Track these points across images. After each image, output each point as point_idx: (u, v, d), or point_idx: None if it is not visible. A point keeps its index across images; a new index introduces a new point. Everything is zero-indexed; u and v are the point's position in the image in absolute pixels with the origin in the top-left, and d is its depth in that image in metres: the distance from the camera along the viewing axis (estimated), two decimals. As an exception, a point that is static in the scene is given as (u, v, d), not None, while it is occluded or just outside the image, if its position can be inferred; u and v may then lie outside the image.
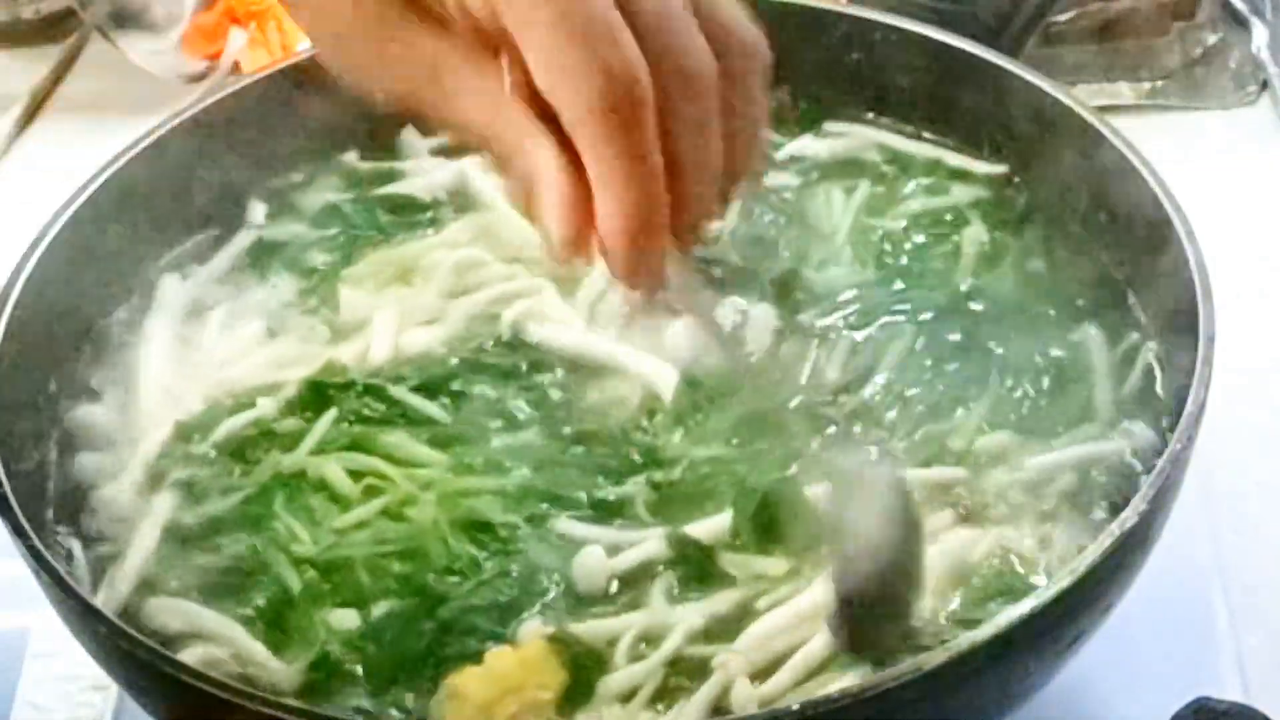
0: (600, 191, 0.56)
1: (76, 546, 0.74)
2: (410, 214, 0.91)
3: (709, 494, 0.74)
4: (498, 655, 0.67)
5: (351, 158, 0.94)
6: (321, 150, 0.94)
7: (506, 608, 0.70)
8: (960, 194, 0.91)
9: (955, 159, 0.92)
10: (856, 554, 0.65)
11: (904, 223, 0.89)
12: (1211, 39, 1.24)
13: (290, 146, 0.93)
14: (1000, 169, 0.91)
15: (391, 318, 0.83)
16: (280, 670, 0.68)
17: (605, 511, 0.74)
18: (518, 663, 0.67)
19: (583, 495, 0.74)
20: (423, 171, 0.93)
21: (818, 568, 0.70)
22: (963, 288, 0.85)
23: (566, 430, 0.77)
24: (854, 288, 0.85)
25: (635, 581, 0.71)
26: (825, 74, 0.96)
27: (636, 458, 0.76)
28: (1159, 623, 0.81)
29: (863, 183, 0.92)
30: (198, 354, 0.84)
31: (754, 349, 0.80)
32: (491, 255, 0.87)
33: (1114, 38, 1.21)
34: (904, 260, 0.88)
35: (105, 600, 0.72)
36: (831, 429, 0.74)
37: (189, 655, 0.68)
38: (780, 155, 0.94)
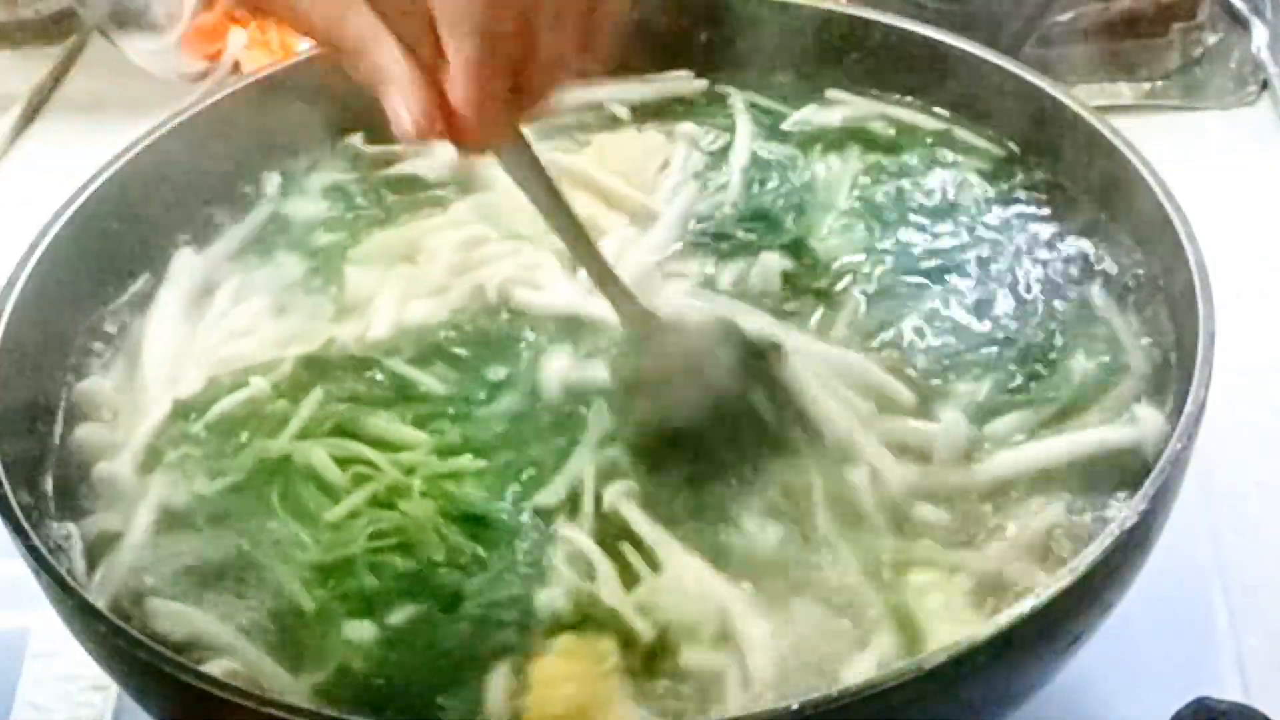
0: (458, 60, 0.62)
1: (74, 530, 0.74)
2: (414, 193, 0.92)
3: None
4: (545, 663, 0.68)
5: (356, 141, 0.94)
6: (326, 136, 0.94)
7: (523, 598, 0.70)
8: (967, 164, 0.92)
9: (963, 133, 0.93)
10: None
11: (910, 188, 0.90)
12: (1211, 39, 1.24)
13: (294, 135, 0.93)
14: (1003, 150, 0.92)
15: (395, 295, 0.84)
16: (294, 686, 0.68)
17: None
18: (568, 655, 0.67)
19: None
20: (426, 153, 0.93)
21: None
22: (967, 260, 0.86)
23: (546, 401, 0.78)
24: (860, 252, 0.86)
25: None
26: (825, 74, 0.96)
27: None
28: (1159, 623, 0.81)
29: (867, 152, 0.93)
30: (203, 329, 0.84)
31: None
32: (495, 233, 0.87)
33: (1114, 38, 1.21)
34: (909, 227, 0.88)
35: (101, 583, 0.71)
36: None
37: (213, 667, 0.67)
38: (785, 125, 0.95)
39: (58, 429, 0.79)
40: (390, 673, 0.68)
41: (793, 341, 0.79)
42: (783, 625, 0.68)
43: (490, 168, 0.88)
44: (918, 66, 0.94)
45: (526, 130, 0.70)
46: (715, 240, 0.88)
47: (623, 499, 0.73)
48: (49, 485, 0.76)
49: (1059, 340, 0.81)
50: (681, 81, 0.99)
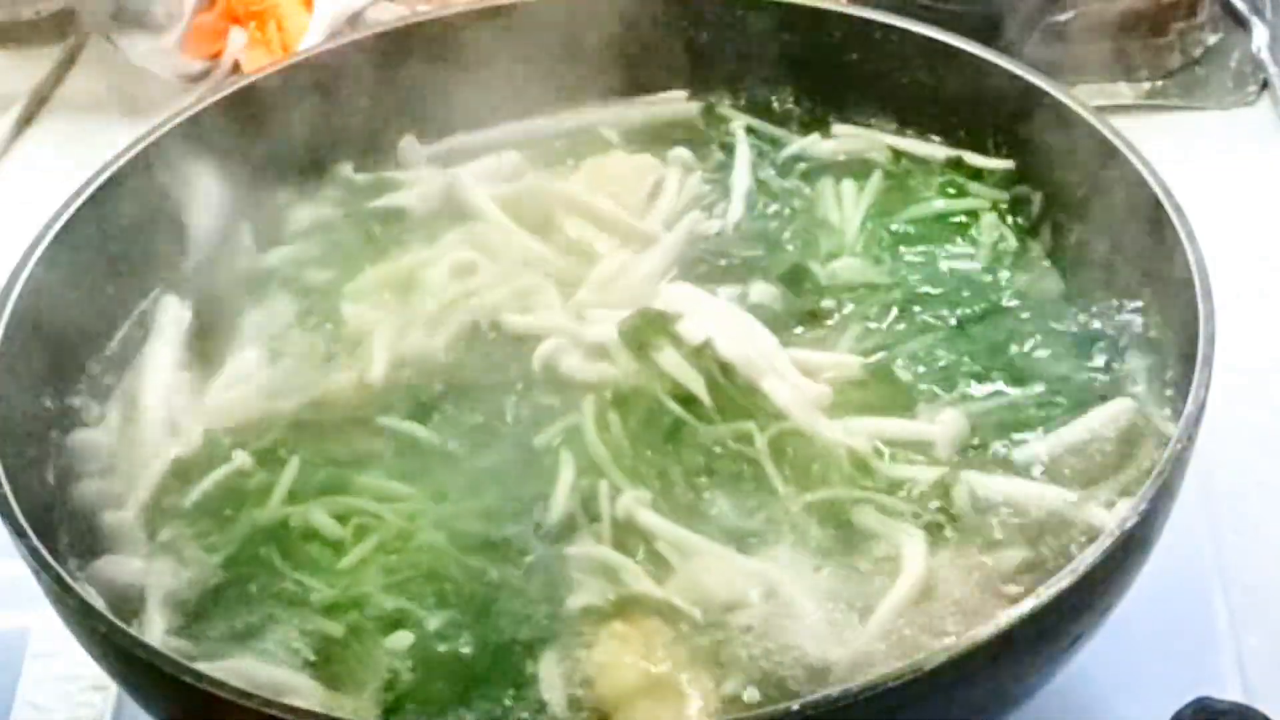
0: None
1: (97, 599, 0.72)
2: (403, 225, 0.91)
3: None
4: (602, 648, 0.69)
5: (347, 169, 0.94)
6: (316, 161, 0.93)
7: (556, 599, 0.71)
8: (974, 191, 0.91)
9: (969, 156, 0.93)
10: None
11: (914, 217, 0.90)
12: (1211, 39, 1.24)
13: (287, 155, 0.93)
14: (1009, 164, 0.91)
15: (388, 337, 0.83)
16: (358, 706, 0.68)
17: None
18: (622, 638, 0.69)
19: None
20: (417, 181, 0.93)
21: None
22: (969, 284, 0.86)
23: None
24: (864, 283, 0.86)
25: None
26: (826, 74, 0.96)
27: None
28: (1159, 623, 0.81)
29: (874, 176, 0.93)
30: (196, 378, 0.83)
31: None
32: (489, 261, 0.87)
33: (1114, 38, 1.21)
34: (914, 255, 0.88)
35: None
36: None
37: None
38: (785, 153, 0.95)
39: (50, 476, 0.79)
40: (440, 670, 0.68)
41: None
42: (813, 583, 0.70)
43: (479, 197, 0.89)
44: (917, 67, 0.94)
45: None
46: (713, 259, 0.87)
47: (636, 506, 0.73)
48: (64, 540, 0.76)
49: (1059, 343, 0.81)
50: (675, 103, 0.98)
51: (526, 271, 0.86)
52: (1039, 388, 0.79)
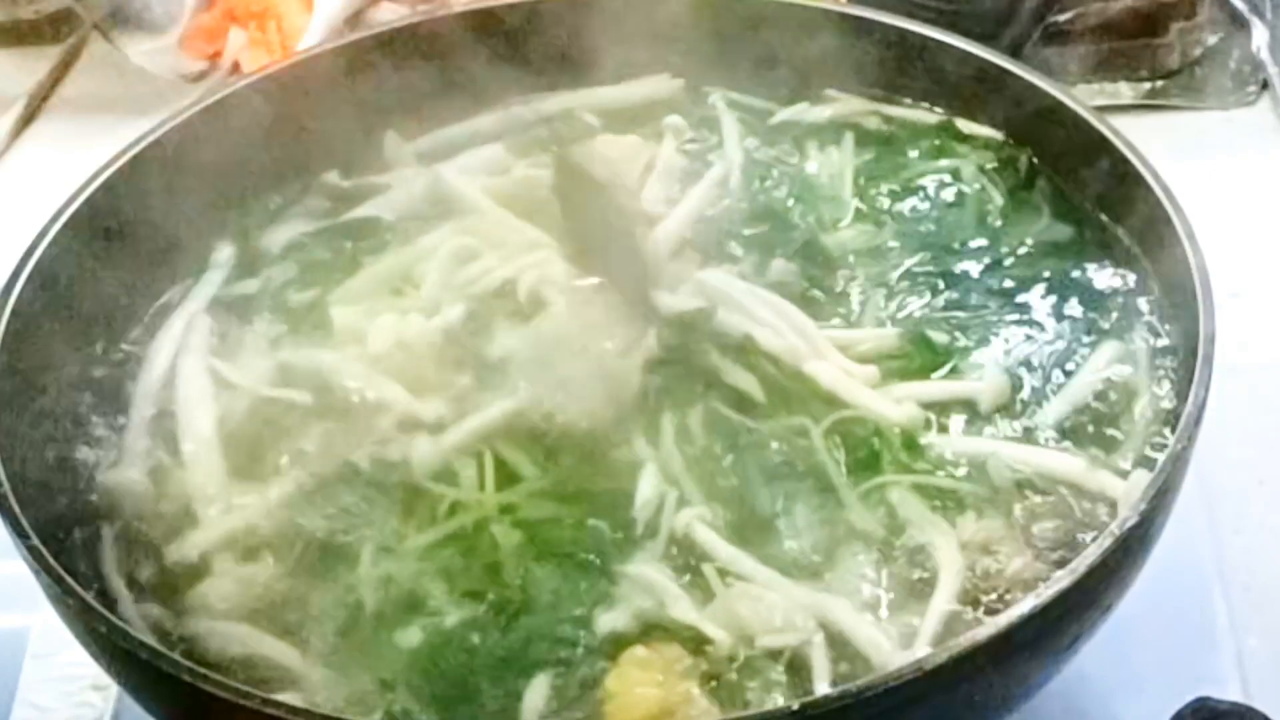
0: None
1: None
2: (380, 236, 0.90)
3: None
4: (620, 672, 0.68)
5: (332, 176, 0.93)
6: (300, 168, 0.93)
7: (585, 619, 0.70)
8: (970, 155, 0.92)
9: (963, 124, 0.93)
10: None
11: (910, 183, 0.91)
12: (1211, 39, 1.24)
13: (273, 161, 0.92)
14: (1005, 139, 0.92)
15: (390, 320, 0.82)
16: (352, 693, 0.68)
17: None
18: (642, 664, 0.68)
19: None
20: (402, 182, 0.92)
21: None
22: (980, 261, 0.86)
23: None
24: (873, 247, 0.87)
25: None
26: (825, 73, 0.96)
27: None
28: (1159, 623, 0.81)
29: (866, 139, 0.93)
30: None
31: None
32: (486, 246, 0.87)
33: (1114, 38, 1.21)
34: (913, 215, 0.89)
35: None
36: None
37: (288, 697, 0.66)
38: (773, 121, 0.95)
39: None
40: (435, 677, 0.68)
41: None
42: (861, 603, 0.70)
43: (466, 190, 0.89)
44: (917, 66, 0.94)
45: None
46: (721, 237, 0.87)
47: (696, 524, 0.72)
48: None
49: (1060, 339, 0.81)
50: (659, 83, 0.97)
51: (530, 251, 0.86)
52: (1060, 337, 0.81)
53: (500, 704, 0.67)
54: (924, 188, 0.90)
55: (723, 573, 0.71)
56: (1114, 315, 0.82)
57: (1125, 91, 1.21)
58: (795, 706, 0.60)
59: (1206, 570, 0.86)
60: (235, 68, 1.28)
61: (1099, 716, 0.80)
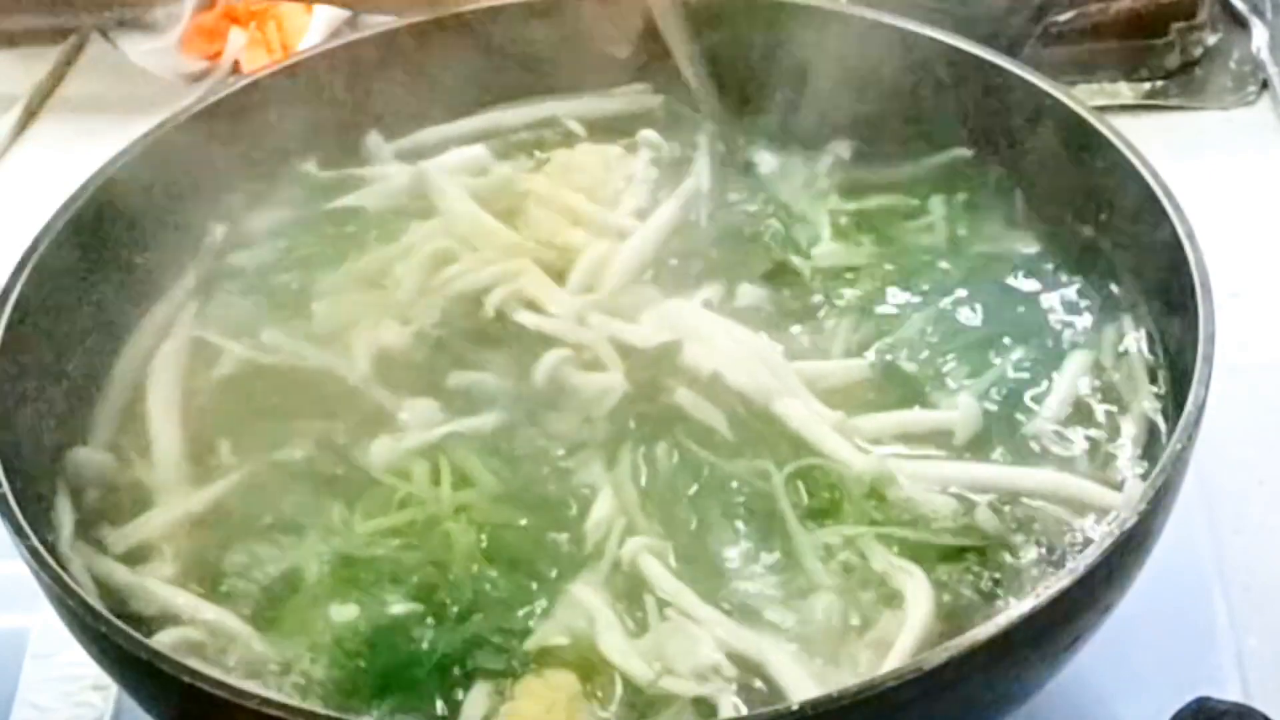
0: None
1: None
2: (364, 226, 0.90)
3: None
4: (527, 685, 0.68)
5: (310, 167, 0.93)
6: (284, 161, 0.93)
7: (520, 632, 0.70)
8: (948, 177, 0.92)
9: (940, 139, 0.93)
10: None
11: (887, 202, 0.91)
12: (1211, 39, 1.24)
13: (273, 161, 0.93)
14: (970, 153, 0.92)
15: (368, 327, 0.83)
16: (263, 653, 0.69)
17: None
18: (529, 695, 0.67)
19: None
20: (383, 178, 0.93)
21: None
22: (950, 282, 0.86)
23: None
24: (845, 267, 0.86)
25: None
26: (824, 73, 0.96)
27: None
28: (1159, 623, 0.81)
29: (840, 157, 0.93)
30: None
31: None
32: (463, 249, 0.87)
33: (1114, 38, 1.21)
34: (887, 234, 0.89)
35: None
36: None
37: (165, 636, 0.69)
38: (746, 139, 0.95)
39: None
40: (362, 662, 0.69)
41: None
42: (804, 650, 0.69)
43: (447, 188, 0.89)
44: (915, 67, 0.94)
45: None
46: (690, 259, 0.87)
47: (643, 553, 0.72)
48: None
49: (1056, 339, 0.81)
50: (640, 96, 0.97)
51: (507, 257, 0.86)
52: (1030, 356, 0.80)
53: (438, 697, 0.68)
54: (900, 208, 0.90)
55: (662, 604, 0.70)
56: (1098, 323, 0.81)
57: (1125, 91, 1.21)
58: (795, 706, 0.60)
59: (1206, 570, 0.86)
60: (235, 68, 1.28)
61: (1099, 716, 0.80)
